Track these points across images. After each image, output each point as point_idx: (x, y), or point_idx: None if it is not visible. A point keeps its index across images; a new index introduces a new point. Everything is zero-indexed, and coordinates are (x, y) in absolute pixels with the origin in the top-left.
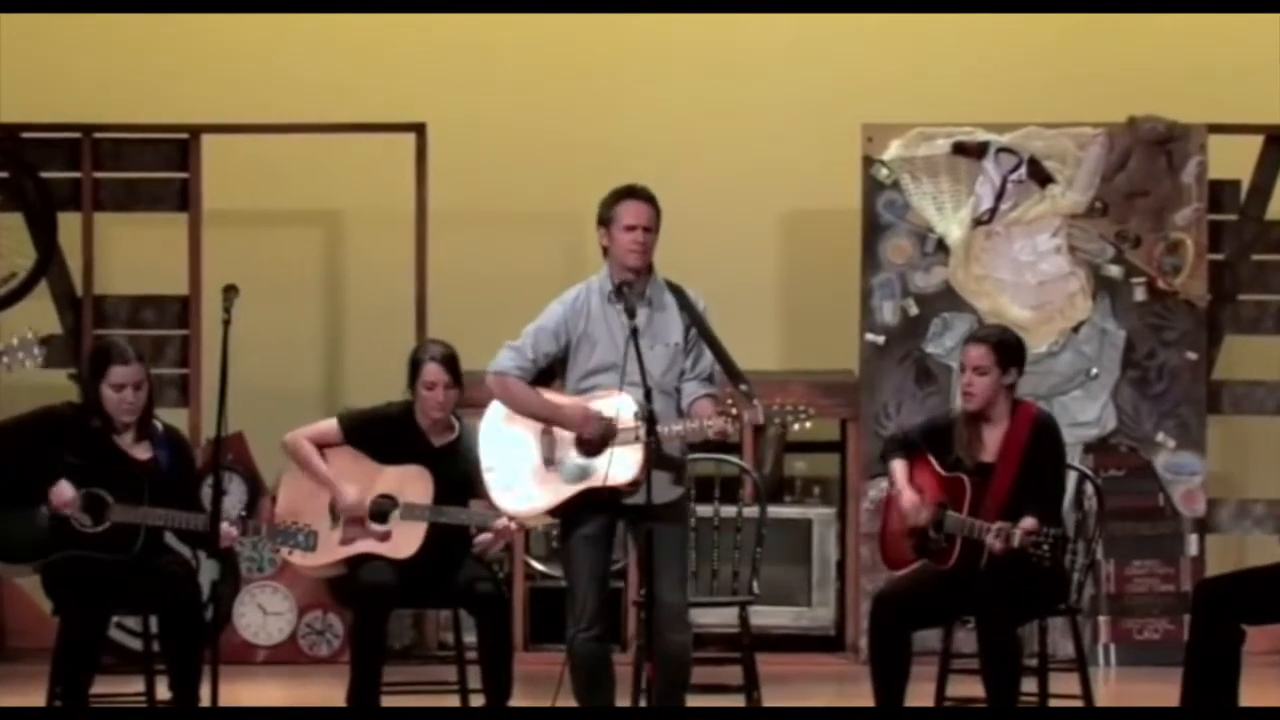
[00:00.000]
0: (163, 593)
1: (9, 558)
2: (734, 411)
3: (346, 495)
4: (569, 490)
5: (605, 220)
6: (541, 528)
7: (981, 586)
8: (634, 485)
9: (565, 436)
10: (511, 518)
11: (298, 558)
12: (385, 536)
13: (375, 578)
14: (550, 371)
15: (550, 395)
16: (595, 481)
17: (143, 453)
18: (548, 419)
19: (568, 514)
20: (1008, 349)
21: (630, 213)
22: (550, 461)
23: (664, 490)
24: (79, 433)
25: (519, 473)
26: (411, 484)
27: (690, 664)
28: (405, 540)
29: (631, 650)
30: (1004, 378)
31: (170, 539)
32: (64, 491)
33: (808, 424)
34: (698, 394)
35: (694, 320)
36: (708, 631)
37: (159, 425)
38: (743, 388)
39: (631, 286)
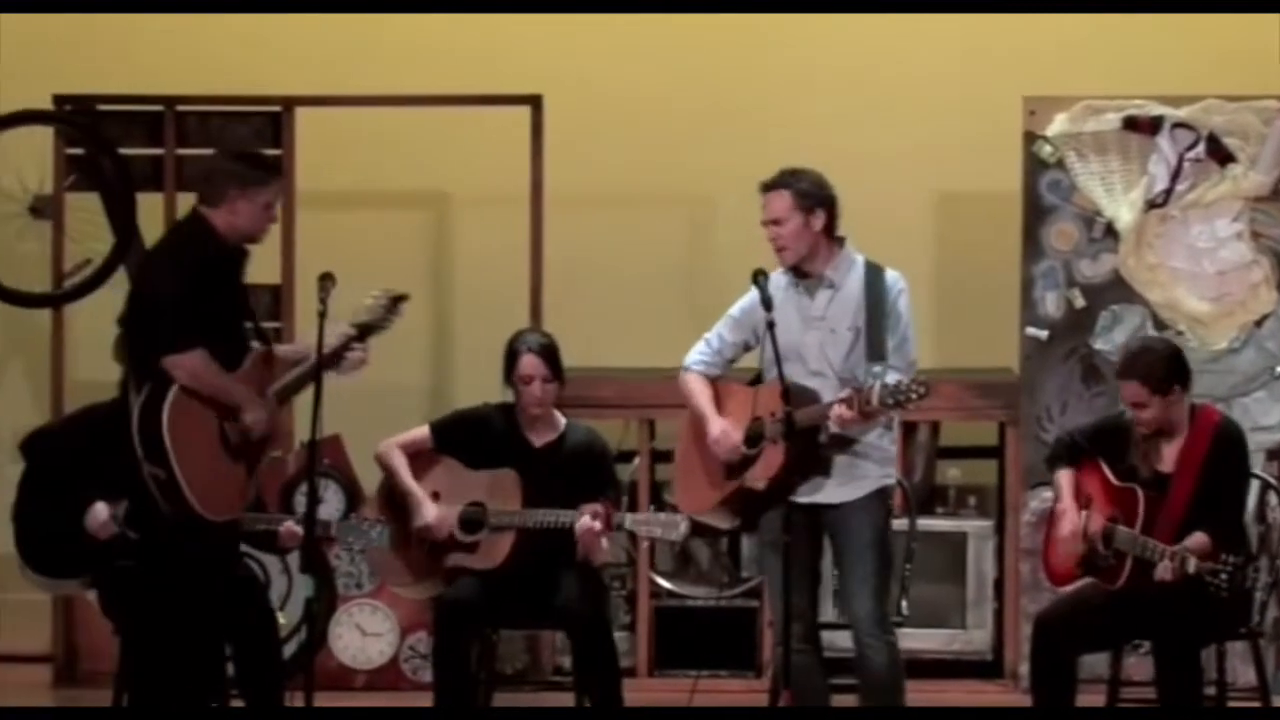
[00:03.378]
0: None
1: (55, 573)
2: (847, 394)
3: (424, 514)
4: (723, 489)
5: None
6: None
7: (1156, 608)
8: (775, 482)
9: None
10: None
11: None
12: (473, 547)
13: (454, 594)
14: None
15: (728, 394)
16: (745, 481)
17: None
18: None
19: (749, 518)
20: (1161, 376)
21: (763, 209)
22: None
23: (838, 489)
24: (123, 430)
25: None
26: (500, 488)
27: (899, 688)
28: (492, 550)
29: (767, 677)
30: (1168, 400)
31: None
32: (98, 515)
33: (919, 400)
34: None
35: (870, 303)
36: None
37: None
38: (875, 369)
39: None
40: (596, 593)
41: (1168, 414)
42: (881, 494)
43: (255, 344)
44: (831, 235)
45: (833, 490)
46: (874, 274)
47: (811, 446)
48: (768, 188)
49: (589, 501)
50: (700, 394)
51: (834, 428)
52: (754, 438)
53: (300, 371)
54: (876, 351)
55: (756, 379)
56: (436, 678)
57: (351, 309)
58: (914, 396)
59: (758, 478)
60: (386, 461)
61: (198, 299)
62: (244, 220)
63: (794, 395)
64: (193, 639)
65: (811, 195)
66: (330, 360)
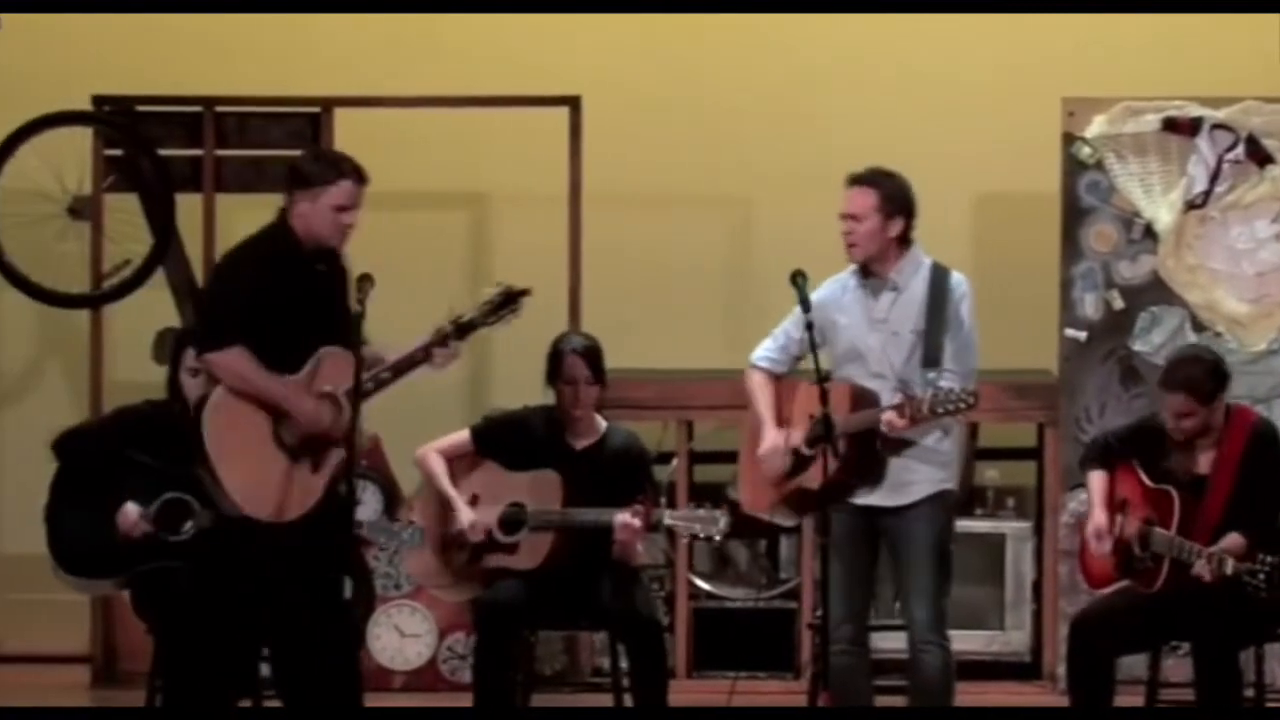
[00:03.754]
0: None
1: (87, 572)
2: (899, 401)
3: (460, 519)
4: (783, 488)
5: None
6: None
7: (1193, 609)
8: (830, 483)
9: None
10: (639, 514)
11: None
12: (513, 548)
13: (494, 595)
14: None
15: (792, 394)
16: (800, 482)
17: None
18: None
19: (807, 515)
20: (1208, 389)
21: (845, 201)
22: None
23: (893, 492)
24: (155, 431)
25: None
26: (542, 489)
27: (949, 691)
28: (532, 550)
29: (805, 678)
30: (1211, 408)
31: None
32: (128, 515)
33: (967, 410)
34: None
35: (931, 305)
36: (888, 658)
37: None
38: (930, 374)
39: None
40: (641, 593)
41: (1209, 420)
42: (940, 498)
43: (336, 348)
44: (903, 242)
45: (888, 493)
46: (939, 276)
47: (869, 450)
48: (855, 182)
49: (628, 505)
50: (761, 398)
51: (884, 431)
52: (814, 439)
53: (376, 372)
54: (932, 354)
55: (825, 377)
56: (476, 679)
57: (390, 309)
58: (963, 406)
59: (814, 478)
60: (425, 467)
61: (254, 299)
62: (312, 222)
63: (855, 397)
64: (229, 639)
65: (896, 200)
66: (422, 356)
